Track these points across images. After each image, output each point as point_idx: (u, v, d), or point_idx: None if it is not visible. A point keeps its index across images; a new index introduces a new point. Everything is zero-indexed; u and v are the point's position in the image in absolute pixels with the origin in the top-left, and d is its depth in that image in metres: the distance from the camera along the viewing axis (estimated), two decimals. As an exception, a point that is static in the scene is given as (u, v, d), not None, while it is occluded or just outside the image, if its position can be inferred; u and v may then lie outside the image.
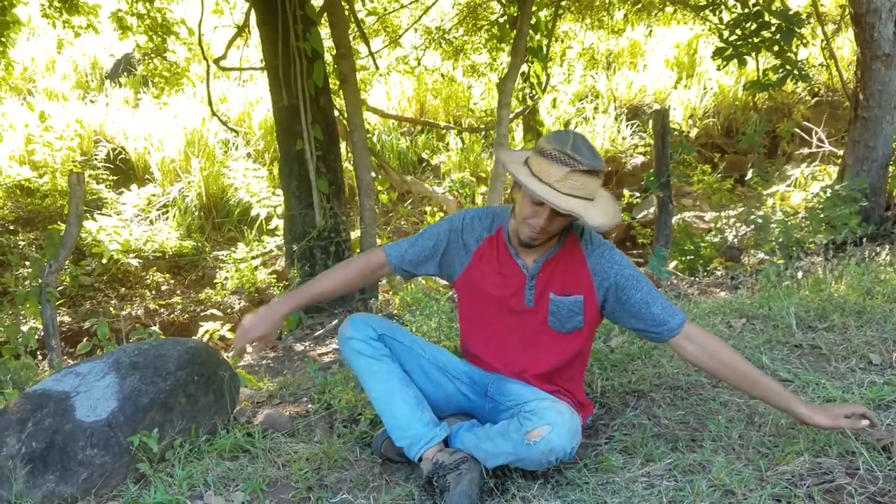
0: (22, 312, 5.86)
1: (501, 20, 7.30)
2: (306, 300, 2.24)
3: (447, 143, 9.53)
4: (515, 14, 6.27)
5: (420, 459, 2.01)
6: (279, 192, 8.76)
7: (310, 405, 2.86)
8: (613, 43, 11.58)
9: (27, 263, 6.10)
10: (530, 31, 6.15)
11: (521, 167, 1.94)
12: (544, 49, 7.48)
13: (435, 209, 7.25)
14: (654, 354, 2.92)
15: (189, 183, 9.02)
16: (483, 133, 9.47)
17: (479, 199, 7.10)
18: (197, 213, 8.82)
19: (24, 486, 1.96)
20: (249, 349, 2.16)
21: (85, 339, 3.76)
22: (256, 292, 7.70)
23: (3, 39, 7.55)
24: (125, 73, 11.90)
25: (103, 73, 12.20)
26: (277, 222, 8.14)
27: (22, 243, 7.77)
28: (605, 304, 2.08)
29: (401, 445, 2.05)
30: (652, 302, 2.02)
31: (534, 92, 6.99)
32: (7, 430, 2.05)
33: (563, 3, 8.28)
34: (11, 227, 8.17)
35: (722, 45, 5.41)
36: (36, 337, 4.27)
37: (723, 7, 6.05)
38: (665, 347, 3.00)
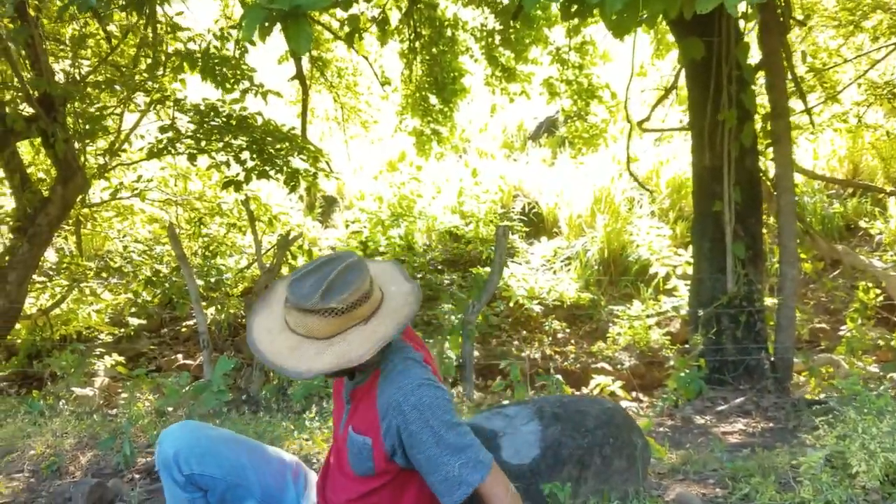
0: (446, 345, 6.65)
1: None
2: None
3: (886, 210, 8.17)
4: None
5: None
6: (681, 251, 8.49)
7: (718, 489, 2.61)
8: None
9: (452, 301, 6.90)
10: None
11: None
12: None
13: (869, 284, 6.20)
14: None
15: (592, 238, 9.33)
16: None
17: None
18: (596, 267, 9.05)
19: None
20: None
21: (499, 378, 4.05)
22: (649, 352, 7.53)
23: (451, 105, 8.83)
24: (546, 135, 13.00)
25: (527, 135, 13.53)
26: (676, 282, 7.88)
27: (447, 282, 8.88)
28: (396, 454, 1.64)
29: None
30: (432, 470, 1.60)
31: None
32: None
33: None
34: (440, 268, 9.42)
35: None
36: (455, 366, 4.75)
37: None
38: None
